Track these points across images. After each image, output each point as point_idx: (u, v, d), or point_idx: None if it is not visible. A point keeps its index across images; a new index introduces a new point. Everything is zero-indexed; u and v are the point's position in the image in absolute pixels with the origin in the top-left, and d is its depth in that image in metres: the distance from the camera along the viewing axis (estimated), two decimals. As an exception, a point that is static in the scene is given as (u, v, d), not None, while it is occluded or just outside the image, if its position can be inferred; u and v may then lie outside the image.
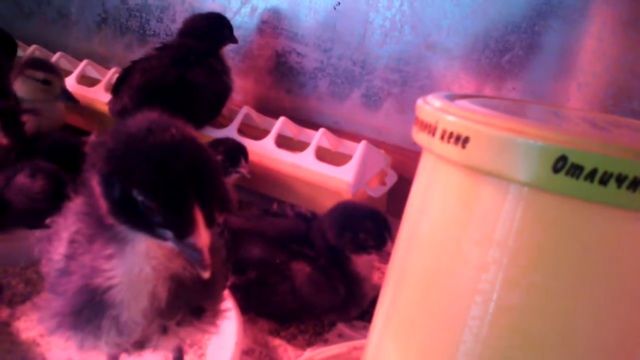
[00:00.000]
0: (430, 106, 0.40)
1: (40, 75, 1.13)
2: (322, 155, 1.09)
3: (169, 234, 0.38)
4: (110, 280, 0.43)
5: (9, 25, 1.51)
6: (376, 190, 1.04)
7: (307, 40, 1.22)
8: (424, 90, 1.12)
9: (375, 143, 1.11)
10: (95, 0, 1.47)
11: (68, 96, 1.19)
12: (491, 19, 1.03)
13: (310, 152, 1.06)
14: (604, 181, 0.32)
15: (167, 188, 0.37)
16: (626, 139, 0.37)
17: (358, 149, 1.03)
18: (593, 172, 0.32)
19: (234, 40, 1.20)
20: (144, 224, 0.39)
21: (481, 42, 1.05)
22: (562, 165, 0.32)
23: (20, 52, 1.41)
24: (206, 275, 0.38)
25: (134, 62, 1.14)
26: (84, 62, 1.33)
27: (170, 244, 0.39)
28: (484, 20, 1.04)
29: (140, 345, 0.47)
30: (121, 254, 0.42)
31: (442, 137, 0.38)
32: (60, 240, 0.46)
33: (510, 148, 0.34)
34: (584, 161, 0.32)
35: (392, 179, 1.09)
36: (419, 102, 0.43)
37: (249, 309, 0.82)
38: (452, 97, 0.44)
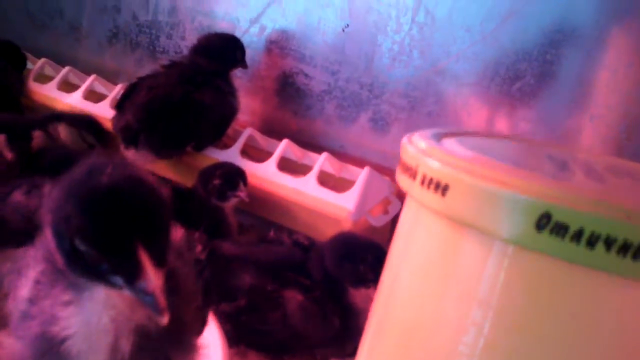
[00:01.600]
0: (413, 147, 0.38)
1: (90, 139, 1.14)
2: (325, 180, 1.06)
3: (119, 280, 0.36)
4: (67, 329, 0.40)
5: (22, 37, 1.52)
6: (378, 219, 1.01)
7: (315, 61, 1.20)
8: (432, 116, 1.10)
9: (381, 168, 1.08)
10: (107, 15, 1.47)
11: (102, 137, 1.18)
12: (502, 46, 1.01)
13: (312, 177, 1.03)
14: (591, 243, 0.29)
15: (106, 234, 0.34)
16: (621, 193, 0.34)
17: (361, 176, 1.00)
18: (579, 233, 0.29)
19: (244, 65, 1.19)
20: (95, 273, 0.36)
21: (491, 70, 1.02)
22: (545, 222, 0.30)
23: (30, 65, 1.41)
24: (164, 320, 0.36)
25: (140, 79, 1.13)
26: (92, 77, 1.32)
27: (126, 292, 0.36)
28: (495, 47, 1.01)
29: None
30: (79, 302, 0.40)
31: (422, 183, 0.35)
32: (27, 278, 0.44)
33: (492, 200, 0.31)
34: (570, 220, 0.29)
35: (395, 207, 1.05)
36: (404, 140, 0.41)
37: (238, 340, 0.79)
38: (440, 136, 0.41)
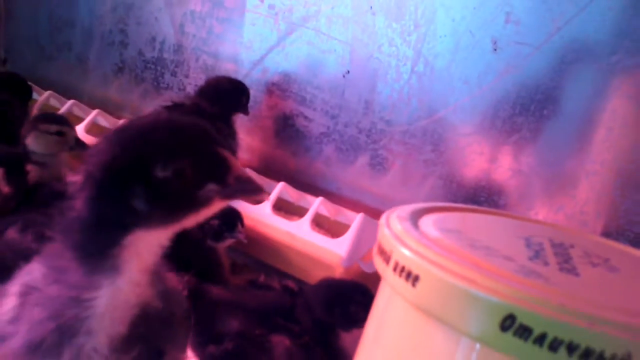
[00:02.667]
0: (389, 230, 0.38)
1: (53, 128, 1.13)
2: (320, 222, 1.07)
3: (212, 189, 0.38)
4: (89, 309, 0.42)
5: (31, 67, 1.55)
6: (370, 266, 1.01)
7: (315, 105, 1.21)
8: (429, 164, 1.10)
9: (377, 212, 1.08)
10: (114, 50, 1.50)
11: (81, 144, 1.19)
12: (499, 100, 1.02)
13: (306, 221, 1.04)
14: (553, 347, 0.29)
15: (189, 146, 0.38)
16: (591, 290, 0.34)
17: (355, 222, 1.01)
18: (542, 336, 0.29)
19: (246, 111, 1.20)
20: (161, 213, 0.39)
21: (488, 121, 1.03)
22: (510, 324, 0.30)
23: (36, 96, 1.43)
24: (265, 197, 0.39)
25: (135, 120, 1.14)
26: (95, 111, 1.34)
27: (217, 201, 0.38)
28: (493, 100, 1.02)
29: None
30: (105, 282, 0.41)
31: (395, 269, 0.36)
32: (6, 296, 0.45)
33: (459, 297, 0.32)
34: (533, 323, 0.29)
35: (389, 254, 1.06)
36: (382, 219, 0.41)
37: (224, 385, 0.79)
38: (419, 214, 0.42)
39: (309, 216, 1.04)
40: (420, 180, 1.12)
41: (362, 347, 0.42)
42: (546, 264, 0.37)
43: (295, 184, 1.17)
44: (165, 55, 1.40)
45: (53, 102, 1.44)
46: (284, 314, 0.82)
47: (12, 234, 0.90)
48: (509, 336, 0.30)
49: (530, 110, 1.00)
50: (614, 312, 0.30)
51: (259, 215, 1.07)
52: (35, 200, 1.05)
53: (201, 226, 1.01)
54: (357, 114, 1.17)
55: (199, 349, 0.77)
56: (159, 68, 1.41)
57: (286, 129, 1.26)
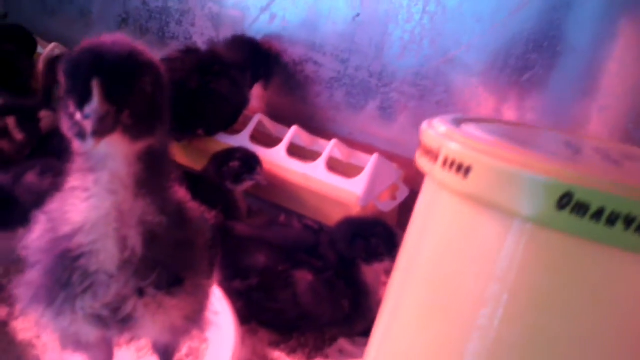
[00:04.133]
0: (434, 131, 0.39)
1: None
2: (334, 166, 1.08)
3: (71, 104, 0.40)
4: (75, 224, 0.43)
5: (32, 22, 1.53)
6: (386, 205, 1.03)
7: (324, 49, 1.20)
8: (441, 105, 1.10)
9: (388, 156, 1.09)
10: (117, 1, 1.48)
11: None
12: (512, 37, 1.01)
13: (321, 162, 1.04)
14: (611, 221, 0.30)
15: (73, 69, 0.40)
16: (638, 176, 0.35)
17: (370, 162, 1.01)
18: (600, 212, 0.30)
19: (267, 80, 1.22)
20: (64, 98, 0.41)
21: (501, 60, 1.03)
22: (567, 202, 0.31)
23: (40, 49, 1.42)
24: (89, 144, 0.38)
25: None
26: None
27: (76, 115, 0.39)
28: (505, 38, 1.02)
29: (123, 320, 0.46)
30: (84, 189, 0.43)
31: (444, 165, 0.36)
32: (39, 222, 0.48)
33: (514, 181, 0.32)
34: (591, 199, 0.30)
35: (403, 193, 1.07)
36: (424, 125, 0.42)
37: (249, 318, 0.81)
38: (459, 121, 0.42)
39: (324, 157, 1.05)
40: (432, 122, 1.12)
41: (404, 250, 0.43)
42: (590, 158, 0.38)
43: (306, 130, 1.17)
44: (170, 4, 1.38)
45: (58, 54, 1.42)
46: (307, 250, 0.84)
47: (31, 177, 0.91)
48: (565, 214, 0.31)
49: (544, 46, 0.99)
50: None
51: (274, 159, 1.07)
52: (51, 147, 1.05)
53: (220, 169, 1.01)
54: (367, 57, 1.16)
55: (224, 284, 0.79)
56: (164, 17, 1.40)
57: (296, 75, 1.25)
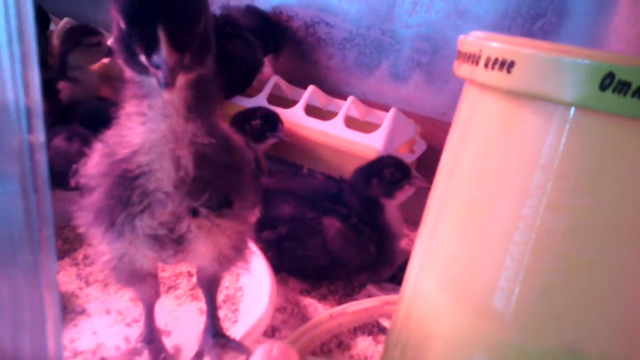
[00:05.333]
0: (474, 37, 0.41)
1: (94, 40, 1.17)
2: (351, 124, 1.09)
3: (141, 54, 0.40)
4: (134, 146, 0.45)
5: (42, 0, 1.53)
6: (405, 158, 1.04)
7: (336, 10, 1.22)
8: (454, 59, 1.12)
9: (404, 114, 1.11)
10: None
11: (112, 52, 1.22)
12: (523, -15, 1.03)
13: (339, 119, 1.06)
14: (652, 97, 0.32)
15: (138, 16, 0.40)
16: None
17: (388, 116, 1.03)
18: (641, 89, 0.32)
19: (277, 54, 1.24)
20: (126, 47, 0.42)
21: (513, 9, 1.04)
22: (609, 82, 0.33)
23: (52, 26, 1.43)
24: (167, 95, 0.41)
25: None
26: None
27: (144, 62, 0.41)
28: (517, -14, 1.03)
29: (177, 240, 0.49)
30: (140, 117, 0.45)
31: (487, 65, 0.38)
32: (95, 150, 0.50)
33: (557, 68, 0.34)
34: (632, 77, 0.32)
35: (421, 147, 1.09)
36: (462, 37, 0.43)
37: (280, 267, 0.83)
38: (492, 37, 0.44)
39: (341, 114, 1.06)
40: (446, 77, 1.14)
41: (446, 156, 0.45)
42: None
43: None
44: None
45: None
46: (331, 199, 0.86)
47: (58, 141, 0.93)
48: (608, 94, 0.33)
49: (555, -7, 1.01)
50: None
51: (292, 118, 1.09)
52: (72, 118, 1.07)
53: (241, 128, 1.03)
54: (379, 15, 1.17)
55: (254, 236, 0.81)
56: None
57: (307, 37, 1.27)
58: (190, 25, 0.41)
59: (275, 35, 1.25)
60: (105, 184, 0.47)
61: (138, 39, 0.40)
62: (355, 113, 1.13)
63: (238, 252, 0.56)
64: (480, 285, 0.40)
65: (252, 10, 1.24)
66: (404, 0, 1.13)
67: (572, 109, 0.35)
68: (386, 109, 1.11)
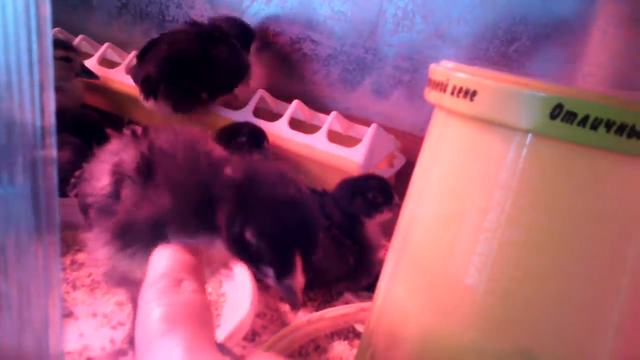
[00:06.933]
0: (443, 67, 0.45)
1: (60, 53, 1.17)
2: (334, 138, 1.13)
3: (270, 272, 0.43)
4: None
5: (32, 9, 1.55)
6: (385, 172, 1.09)
7: (321, 28, 1.26)
8: (433, 78, 1.16)
9: (385, 129, 1.15)
10: (117, -15, 1.52)
11: (88, 72, 1.24)
12: (500, 10, 1.08)
13: (322, 133, 1.10)
14: (594, 126, 0.36)
15: (278, 237, 0.43)
16: (618, 94, 0.41)
17: (368, 132, 1.07)
18: (585, 119, 0.36)
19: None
20: (251, 259, 0.44)
21: (490, 32, 1.09)
22: (558, 112, 0.37)
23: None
24: (295, 310, 0.44)
25: (162, 34, 1.20)
26: (106, 45, 1.37)
27: (269, 279, 0.44)
28: (493, 11, 1.08)
29: None
30: None
31: (452, 93, 0.42)
32: (102, 172, 0.51)
33: (514, 99, 0.39)
34: (577, 108, 0.37)
35: (400, 161, 1.13)
36: (432, 66, 0.48)
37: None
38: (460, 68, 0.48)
39: (324, 128, 1.10)
40: (425, 94, 1.18)
41: (417, 175, 0.49)
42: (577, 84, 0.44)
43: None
44: (170, -13, 1.42)
45: (61, 38, 1.47)
46: None
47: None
48: (557, 122, 0.37)
49: (529, 19, 1.06)
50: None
51: (277, 131, 1.13)
52: (60, 127, 1.09)
53: (227, 144, 1.06)
54: (362, 34, 1.22)
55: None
56: (163, 1, 1.44)
57: (293, 53, 1.31)
58: (316, 249, 0.46)
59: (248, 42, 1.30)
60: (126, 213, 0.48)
61: (270, 258, 0.43)
62: (337, 127, 1.17)
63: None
64: (447, 291, 0.44)
65: (230, 19, 1.29)
66: (386, 21, 1.18)
67: (529, 135, 0.39)
68: (368, 123, 1.16)
